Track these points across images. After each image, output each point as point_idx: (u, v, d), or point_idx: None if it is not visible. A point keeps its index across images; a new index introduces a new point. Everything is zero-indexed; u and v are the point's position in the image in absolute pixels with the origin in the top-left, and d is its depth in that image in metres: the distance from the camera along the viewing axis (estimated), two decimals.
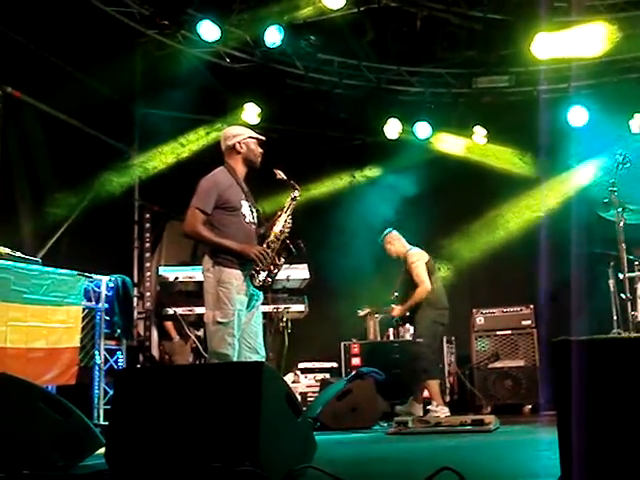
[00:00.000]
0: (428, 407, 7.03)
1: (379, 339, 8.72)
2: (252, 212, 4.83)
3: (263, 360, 4.58)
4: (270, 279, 4.70)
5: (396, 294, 7.40)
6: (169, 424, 3.19)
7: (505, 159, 9.33)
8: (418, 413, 6.95)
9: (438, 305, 7.14)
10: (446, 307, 7.21)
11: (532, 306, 8.36)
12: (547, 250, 8.48)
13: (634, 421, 2.44)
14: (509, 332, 8.34)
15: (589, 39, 7.79)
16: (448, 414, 6.91)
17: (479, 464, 4.22)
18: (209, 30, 7.82)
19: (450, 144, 9.42)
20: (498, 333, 8.36)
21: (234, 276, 4.60)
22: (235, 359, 4.51)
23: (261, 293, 4.81)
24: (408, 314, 7.19)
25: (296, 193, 4.85)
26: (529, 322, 8.31)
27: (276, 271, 4.73)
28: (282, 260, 4.75)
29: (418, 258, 7.21)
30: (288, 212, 4.82)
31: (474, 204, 9.39)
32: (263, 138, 4.92)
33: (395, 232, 7.44)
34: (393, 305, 7.35)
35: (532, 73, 8.85)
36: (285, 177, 4.85)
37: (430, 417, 6.52)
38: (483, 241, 9.31)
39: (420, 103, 9.22)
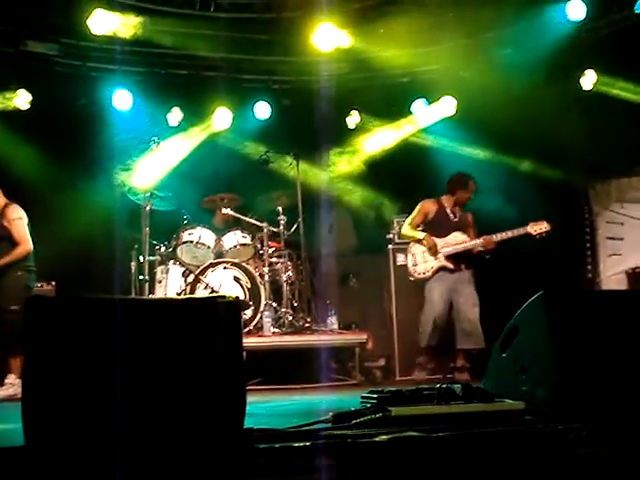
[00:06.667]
0: (6, 380, 6.41)
1: None
2: None
3: None
4: None
5: None
6: None
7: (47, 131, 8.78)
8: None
9: (31, 267, 6.71)
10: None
11: (54, 283, 8.09)
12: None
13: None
14: None
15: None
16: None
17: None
18: None
19: None
20: None
21: None
22: None
23: None
24: None
25: None
26: None
27: None
28: None
29: (22, 215, 6.65)
30: None
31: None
32: None
33: None
34: None
35: (83, 48, 8.69)
36: None
37: None
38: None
39: None
